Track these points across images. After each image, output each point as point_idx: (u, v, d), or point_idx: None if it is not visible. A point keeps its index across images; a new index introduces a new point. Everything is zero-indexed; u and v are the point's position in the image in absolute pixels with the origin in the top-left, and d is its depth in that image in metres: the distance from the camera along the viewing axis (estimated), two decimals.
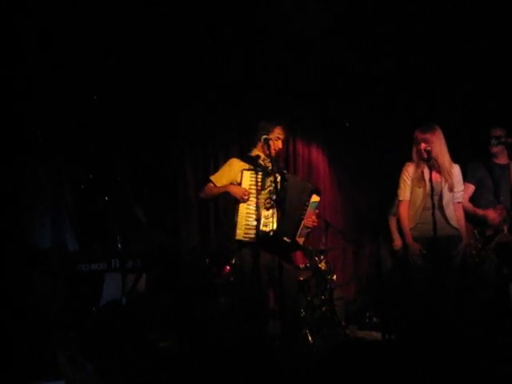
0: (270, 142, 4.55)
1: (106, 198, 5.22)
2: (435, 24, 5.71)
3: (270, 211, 4.38)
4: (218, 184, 4.66)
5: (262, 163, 4.65)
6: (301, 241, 4.54)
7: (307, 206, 4.51)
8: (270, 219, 4.36)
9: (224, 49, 6.19)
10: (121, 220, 5.32)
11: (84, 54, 5.66)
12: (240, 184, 4.51)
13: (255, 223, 4.40)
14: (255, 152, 4.76)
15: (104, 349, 4.20)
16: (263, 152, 4.70)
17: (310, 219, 4.53)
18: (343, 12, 5.61)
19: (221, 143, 6.96)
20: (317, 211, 4.66)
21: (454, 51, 6.09)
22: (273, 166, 4.47)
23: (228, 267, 5.63)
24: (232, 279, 5.44)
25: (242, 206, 4.47)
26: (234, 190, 4.52)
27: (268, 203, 4.41)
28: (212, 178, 4.73)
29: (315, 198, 4.57)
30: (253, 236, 4.41)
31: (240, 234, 4.44)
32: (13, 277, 4.33)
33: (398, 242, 5.94)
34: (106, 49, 5.76)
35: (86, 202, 5.53)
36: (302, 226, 4.49)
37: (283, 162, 7.20)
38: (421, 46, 6.09)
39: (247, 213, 4.45)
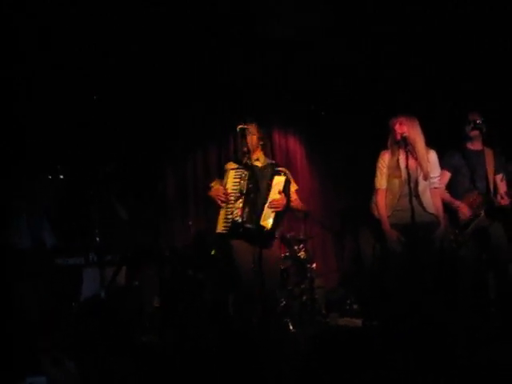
0: (247, 132, 4.62)
1: (86, 194, 5.21)
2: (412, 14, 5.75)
3: (239, 202, 4.51)
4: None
5: (248, 162, 4.66)
6: (268, 223, 4.53)
7: (269, 189, 4.56)
8: (239, 209, 4.48)
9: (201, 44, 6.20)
10: (101, 216, 5.31)
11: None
12: (225, 184, 4.63)
13: (231, 216, 4.51)
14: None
15: (85, 345, 4.19)
16: (241, 145, 4.72)
17: (274, 201, 4.54)
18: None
19: (199, 143, 7.08)
20: (280, 190, 4.64)
21: (430, 37, 6.10)
22: (248, 157, 4.60)
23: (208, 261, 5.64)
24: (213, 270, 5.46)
25: (224, 204, 4.59)
26: (211, 193, 4.71)
27: (237, 196, 4.54)
28: (212, 184, 4.87)
29: (278, 180, 4.59)
30: (227, 228, 4.53)
31: (219, 228, 4.56)
32: None
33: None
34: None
35: (65, 197, 5.51)
36: (264, 209, 4.51)
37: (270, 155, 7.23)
38: (393, 36, 6.10)
39: (226, 208, 4.56)
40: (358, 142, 7.07)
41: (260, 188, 4.55)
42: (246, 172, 4.56)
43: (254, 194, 4.51)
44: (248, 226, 4.46)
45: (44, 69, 5.77)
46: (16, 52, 5.52)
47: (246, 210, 4.46)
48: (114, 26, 5.51)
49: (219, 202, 4.57)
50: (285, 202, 4.59)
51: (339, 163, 7.43)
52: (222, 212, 4.57)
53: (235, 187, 4.56)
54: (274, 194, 4.56)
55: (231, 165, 4.78)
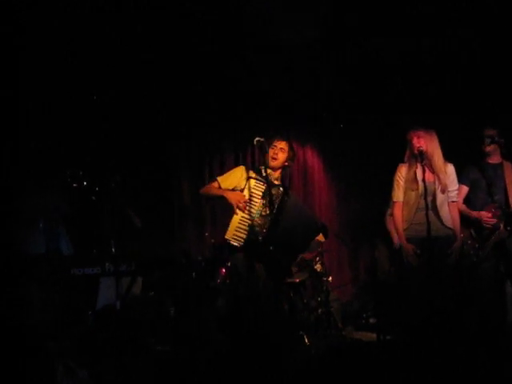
0: (266, 145, 4.58)
1: (100, 202, 5.23)
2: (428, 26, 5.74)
3: (266, 219, 4.43)
4: (223, 185, 4.68)
5: (270, 177, 4.63)
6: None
7: (311, 239, 4.69)
8: (263, 227, 4.41)
9: (220, 54, 6.20)
10: (115, 225, 5.33)
11: (82, 57, 5.70)
12: (242, 190, 4.56)
13: (247, 228, 4.44)
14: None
15: (99, 355, 4.19)
16: (263, 159, 4.71)
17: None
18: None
19: (216, 151, 7.05)
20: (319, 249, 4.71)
21: (447, 53, 6.09)
22: (266, 173, 4.52)
23: (224, 270, 5.63)
24: (228, 281, 5.44)
25: (238, 211, 4.51)
26: (231, 195, 4.56)
27: (265, 212, 4.45)
28: (219, 177, 4.76)
29: (321, 238, 4.61)
30: (241, 240, 4.44)
31: (229, 234, 4.48)
32: (4, 289, 4.33)
33: (395, 241, 5.90)
34: (104, 52, 5.79)
35: (81, 207, 5.54)
36: (299, 257, 4.57)
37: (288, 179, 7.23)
38: (416, 49, 6.09)
39: (242, 217, 4.48)
40: (375, 154, 7.04)
41: (293, 220, 4.51)
42: (276, 190, 4.51)
43: (285, 221, 4.46)
44: (272, 249, 4.39)
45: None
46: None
47: (276, 232, 4.41)
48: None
49: (235, 207, 4.49)
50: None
51: (356, 176, 7.40)
52: (235, 219, 4.49)
53: (255, 199, 4.50)
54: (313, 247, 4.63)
55: (250, 172, 4.70)
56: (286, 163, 4.77)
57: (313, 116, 7.30)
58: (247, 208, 4.48)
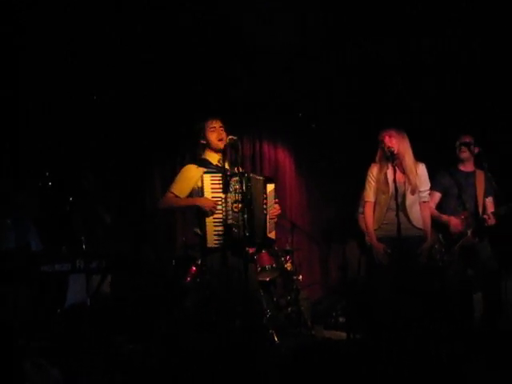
0: (207, 134, 4.41)
1: (70, 199, 5.18)
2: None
3: (239, 215, 4.23)
4: (182, 195, 4.38)
5: (219, 164, 4.43)
6: (272, 235, 4.51)
7: (266, 198, 4.39)
8: (241, 223, 4.20)
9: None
10: (85, 220, 5.28)
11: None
12: (201, 188, 4.28)
13: (222, 228, 4.24)
14: (209, 155, 4.49)
15: (70, 352, 4.15)
16: (210, 149, 4.48)
17: (272, 210, 4.45)
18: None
19: (189, 151, 6.96)
20: (276, 200, 4.55)
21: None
22: (223, 160, 4.37)
23: (194, 268, 5.61)
24: (198, 280, 5.42)
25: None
26: (203, 202, 4.24)
27: (235, 207, 4.25)
28: (172, 189, 4.39)
29: (270, 187, 4.43)
30: (221, 242, 4.23)
31: (210, 241, 4.24)
32: None
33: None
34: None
35: (50, 203, 5.49)
36: (267, 221, 4.39)
37: (249, 163, 7.24)
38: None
39: (214, 219, 4.25)
40: (346, 153, 7.08)
41: (257, 199, 4.34)
42: (235, 179, 4.25)
43: (255, 206, 4.30)
44: (258, 241, 4.35)
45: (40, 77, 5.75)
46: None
47: (255, 223, 4.25)
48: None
49: (210, 213, 4.22)
50: (280, 210, 4.55)
51: (327, 175, 7.43)
52: (209, 222, 4.23)
53: (217, 194, 4.25)
54: (271, 203, 4.44)
55: (198, 168, 4.38)
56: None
57: (284, 115, 7.32)
58: (217, 207, 4.25)
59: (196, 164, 4.42)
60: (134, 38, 5.74)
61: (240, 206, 4.21)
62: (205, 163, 4.40)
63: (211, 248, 4.24)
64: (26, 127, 5.84)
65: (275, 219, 4.50)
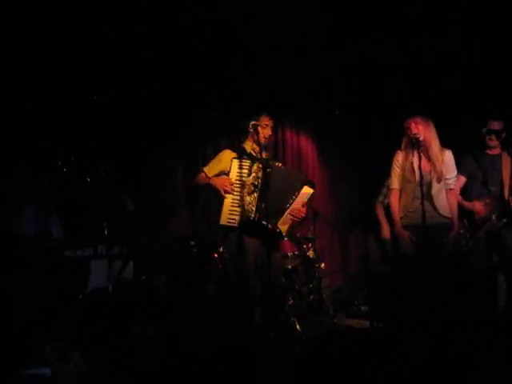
0: (259, 129, 4.57)
1: (91, 185, 5.18)
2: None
3: (253, 196, 4.44)
4: (210, 174, 4.68)
5: (253, 152, 4.67)
6: (284, 228, 4.51)
7: (296, 195, 4.51)
8: (252, 204, 4.43)
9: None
10: (107, 207, 5.28)
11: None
12: (229, 173, 4.53)
13: (239, 209, 4.46)
14: (247, 143, 4.77)
15: (91, 338, 4.15)
16: (253, 140, 4.70)
17: (296, 210, 4.49)
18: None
19: (209, 136, 7.02)
20: (306, 203, 4.62)
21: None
22: (260, 152, 4.52)
23: (216, 255, 5.59)
24: (220, 267, 5.40)
25: (228, 195, 4.51)
26: (216, 182, 4.59)
27: (250, 189, 4.46)
28: (204, 168, 4.75)
29: (307, 190, 4.56)
30: (235, 221, 4.46)
31: (223, 219, 4.49)
32: None
33: (385, 232, 5.82)
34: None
35: (71, 189, 5.49)
36: (286, 213, 4.49)
37: (272, 151, 7.19)
38: (415, 40, 6.08)
39: (232, 199, 4.49)
40: (370, 141, 7.02)
41: (277, 187, 4.46)
42: (257, 165, 4.48)
43: (272, 192, 4.42)
44: (264, 223, 4.40)
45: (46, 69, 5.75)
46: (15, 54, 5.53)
47: (265, 207, 4.38)
48: (129, 33, 5.59)
49: (222, 192, 4.49)
50: (304, 216, 4.62)
51: (350, 162, 7.38)
52: (227, 202, 4.49)
53: (242, 178, 4.50)
54: (298, 203, 4.53)
55: (232, 153, 4.66)
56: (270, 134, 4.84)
57: (307, 104, 7.26)
58: (236, 189, 4.48)
59: (231, 149, 4.72)
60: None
61: (252, 189, 4.44)
62: (239, 150, 4.68)
63: (225, 225, 4.49)
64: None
65: (295, 219, 4.56)
